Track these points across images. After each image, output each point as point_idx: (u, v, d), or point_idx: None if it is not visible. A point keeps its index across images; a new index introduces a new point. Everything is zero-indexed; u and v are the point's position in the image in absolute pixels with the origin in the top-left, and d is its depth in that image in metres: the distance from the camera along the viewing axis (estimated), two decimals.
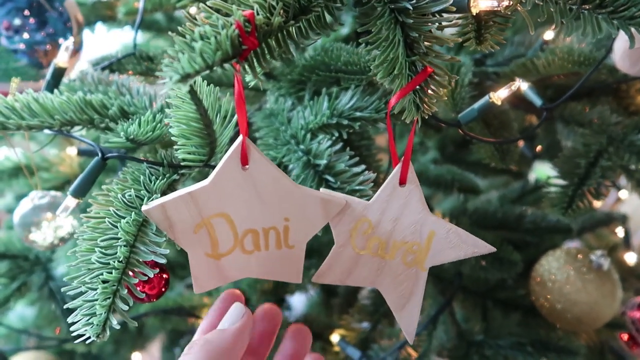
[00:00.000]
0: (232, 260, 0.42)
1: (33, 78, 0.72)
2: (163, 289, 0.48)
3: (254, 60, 0.36)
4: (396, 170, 0.42)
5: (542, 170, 1.51)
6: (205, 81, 0.43)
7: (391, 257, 0.43)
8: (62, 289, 0.37)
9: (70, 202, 0.48)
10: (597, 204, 1.19)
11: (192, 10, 0.65)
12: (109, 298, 0.36)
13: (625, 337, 0.82)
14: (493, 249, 0.43)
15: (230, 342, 0.40)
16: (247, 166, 0.39)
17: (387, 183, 0.42)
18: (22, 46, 0.70)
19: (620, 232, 1.08)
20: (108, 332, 0.35)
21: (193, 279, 0.43)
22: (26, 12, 0.71)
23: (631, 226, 1.16)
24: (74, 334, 0.36)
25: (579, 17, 0.37)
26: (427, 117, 0.41)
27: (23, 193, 0.87)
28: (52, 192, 0.63)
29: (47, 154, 0.86)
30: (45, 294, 0.78)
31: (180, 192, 0.39)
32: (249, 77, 0.51)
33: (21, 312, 1.02)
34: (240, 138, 0.39)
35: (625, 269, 1.08)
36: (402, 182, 0.42)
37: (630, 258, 1.02)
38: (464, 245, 0.43)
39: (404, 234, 0.43)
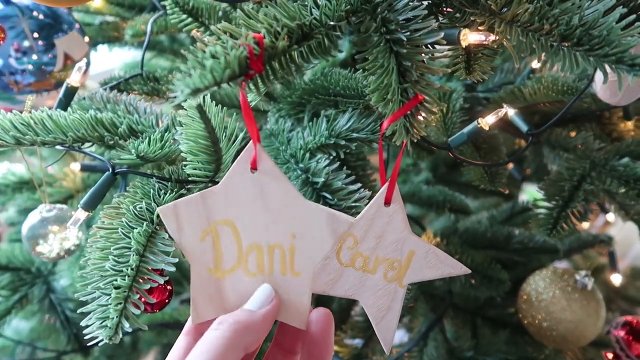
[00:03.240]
0: (235, 282, 0.41)
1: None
2: (167, 300, 0.51)
3: (259, 80, 0.39)
4: (382, 190, 0.45)
5: (532, 192, 1.54)
6: (214, 102, 0.46)
7: (373, 272, 0.46)
8: (76, 295, 0.40)
9: (81, 214, 0.50)
10: (584, 226, 1.22)
11: (199, 34, 0.69)
12: (121, 303, 0.38)
13: (609, 355, 0.84)
14: (468, 271, 0.46)
15: (259, 325, 0.38)
16: (256, 170, 0.40)
17: (372, 202, 0.45)
18: (30, 67, 0.73)
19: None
20: (120, 335, 0.37)
21: (192, 304, 0.42)
22: (35, 35, 0.74)
23: (619, 249, 1.19)
24: (88, 336, 0.38)
25: (559, 53, 0.40)
26: (416, 141, 0.44)
27: (26, 207, 0.89)
28: (59, 205, 0.66)
29: (51, 169, 0.89)
30: (46, 306, 0.79)
31: (193, 194, 0.40)
32: (251, 96, 0.54)
33: (16, 325, 1.03)
34: (251, 142, 0.40)
35: (612, 289, 1.11)
36: (387, 202, 0.45)
37: (616, 279, 1.04)
38: (441, 266, 0.45)
39: (386, 251, 0.45)
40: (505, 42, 0.44)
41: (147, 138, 0.51)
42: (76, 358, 0.82)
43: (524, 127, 0.64)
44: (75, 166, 0.88)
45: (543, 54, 0.42)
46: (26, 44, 0.73)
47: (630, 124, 0.78)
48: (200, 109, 0.44)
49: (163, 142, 0.51)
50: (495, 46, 0.45)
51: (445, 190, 0.93)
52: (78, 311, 0.39)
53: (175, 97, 0.34)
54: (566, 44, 0.39)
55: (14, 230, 0.89)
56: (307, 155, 0.59)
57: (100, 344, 0.37)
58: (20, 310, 0.80)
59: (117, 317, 0.38)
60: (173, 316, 0.94)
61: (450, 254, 0.78)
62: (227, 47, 0.36)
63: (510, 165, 1.09)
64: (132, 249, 0.41)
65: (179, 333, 0.93)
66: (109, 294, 0.38)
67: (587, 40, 0.38)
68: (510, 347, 0.81)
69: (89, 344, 0.37)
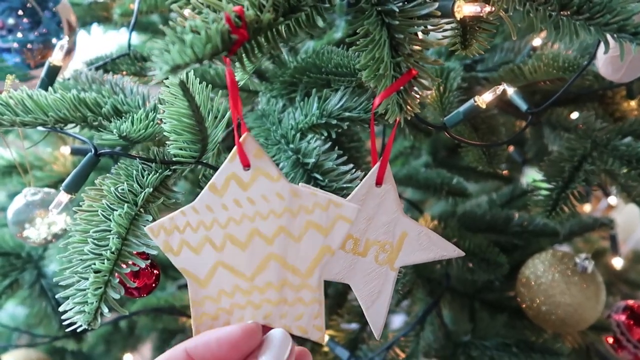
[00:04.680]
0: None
1: (21, 78, 0.72)
2: (154, 284, 0.49)
3: (243, 55, 0.37)
4: (373, 170, 0.43)
5: (534, 176, 1.52)
6: (198, 79, 0.44)
7: (363, 254, 0.44)
8: (55, 279, 0.38)
9: (63, 197, 0.49)
10: (586, 209, 1.21)
11: (186, 12, 0.67)
12: (101, 287, 0.37)
13: (610, 340, 0.83)
14: (462, 253, 0.44)
15: None
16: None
17: (363, 182, 0.43)
18: (15, 45, 0.71)
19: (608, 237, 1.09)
20: (99, 321, 0.36)
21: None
22: (20, 12, 0.72)
23: (621, 234, 1.18)
24: (66, 322, 0.36)
25: (558, 24, 0.38)
26: (409, 118, 0.42)
27: (16, 191, 0.87)
28: (45, 189, 0.64)
29: (41, 153, 0.87)
30: (37, 291, 0.78)
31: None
32: (238, 76, 0.52)
33: (12, 310, 1.02)
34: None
35: (613, 273, 1.10)
36: (379, 182, 0.43)
37: (617, 263, 1.03)
38: (434, 248, 0.44)
39: (377, 233, 0.44)
40: (502, 14, 0.42)
41: (131, 117, 0.49)
42: (68, 343, 0.81)
43: (523, 106, 0.62)
44: (65, 150, 0.87)
45: (544, 32, 0.40)
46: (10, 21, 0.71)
47: (633, 103, 0.76)
48: (183, 85, 0.42)
49: (147, 121, 0.49)
50: (492, 18, 0.43)
51: (443, 173, 0.91)
52: (56, 301, 0.37)
53: (154, 75, 0.33)
54: (565, 13, 0.37)
55: (2, 215, 0.88)
56: (298, 135, 0.57)
57: (91, 331, 0.36)
58: (10, 296, 0.79)
59: (96, 302, 0.36)
60: (169, 301, 0.93)
61: (447, 237, 0.77)
62: (209, 20, 0.34)
63: (511, 148, 1.07)
64: (112, 232, 0.39)
65: (175, 318, 0.92)
66: (88, 279, 0.37)
67: (587, 8, 0.36)
68: (508, 331, 0.80)
69: (68, 329, 0.35)
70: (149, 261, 0.45)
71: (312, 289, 0.42)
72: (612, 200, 1.22)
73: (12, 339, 0.96)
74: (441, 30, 0.44)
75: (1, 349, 0.89)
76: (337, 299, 0.93)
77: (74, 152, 0.81)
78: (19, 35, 0.71)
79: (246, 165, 0.39)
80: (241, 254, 0.40)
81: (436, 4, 0.39)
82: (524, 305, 0.76)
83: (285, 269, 0.41)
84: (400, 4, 0.39)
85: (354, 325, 0.85)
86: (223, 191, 0.39)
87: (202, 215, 0.39)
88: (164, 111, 0.44)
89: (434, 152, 1.16)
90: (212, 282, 0.41)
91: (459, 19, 0.42)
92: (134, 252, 0.40)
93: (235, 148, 0.39)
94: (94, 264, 0.37)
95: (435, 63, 0.40)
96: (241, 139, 0.38)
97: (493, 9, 0.41)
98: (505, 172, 1.11)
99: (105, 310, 0.36)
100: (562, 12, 0.37)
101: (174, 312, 0.90)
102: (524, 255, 0.84)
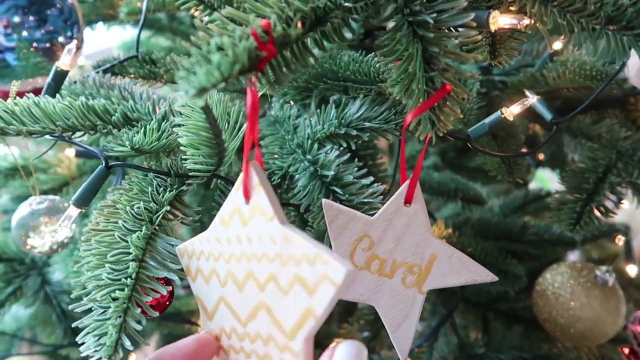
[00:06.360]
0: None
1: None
2: (168, 302, 0.47)
3: (270, 72, 0.35)
4: (402, 189, 0.41)
5: (543, 177, 1.50)
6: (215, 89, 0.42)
7: (390, 276, 0.42)
8: (70, 307, 0.36)
9: (73, 211, 0.46)
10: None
11: (205, 19, 0.64)
12: (120, 316, 0.34)
13: (626, 351, 0.81)
14: (495, 278, 0.42)
15: None
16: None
17: (391, 201, 0.41)
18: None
19: (621, 242, 1.07)
20: (121, 353, 0.34)
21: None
22: (26, 10, 0.70)
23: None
24: (83, 354, 0.34)
25: (603, 37, 0.36)
26: (441, 135, 0.40)
27: (20, 194, 0.85)
28: (51, 197, 0.62)
29: (45, 155, 0.85)
30: (41, 298, 0.76)
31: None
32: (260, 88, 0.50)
33: (15, 312, 1.00)
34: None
35: (626, 279, 1.08)
36: (408, 201, 0.41)
37: (631, 270, 1.01)
38: (465, 272, 0.42)
39: (404, 254, 0.42)
40: (539, 26, 0.39)
41: (143, 128, 0.46)
42: (73, 352, 0.79)
43: (547, 115, 0.60)
44: (70, 152, 0.84)
45: (582, 41, 0.38)
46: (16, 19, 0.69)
47: None
48: None
49: (160, 132, 0.47)
50: (529, 31, 0.40)
51: (457, 179, 0.89)
52: (71, 307, 0.35)
53: (179, 97, 0.30)
54: (612, 27, 0.35)
55: (7, 218, 0.85)
56: (316, 145, 0.55)
57: None
58: (14, 303, 0.77)
59: (116, 332, 0.34)
60: (175, 306, 0.91)
61: (463, 246, 0.75)
62: (235, 37, 0.32)
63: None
64: (130, 256, 0.37)
65: (180, 324, 0.90)
66: (107, 307, 0.34)
67: (638, 23, 0.33)
68: (523, 342, 0.78)
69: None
70: (171, 287, 0.43)
71: (295, 355, 0.33)
72: (625, 205, 1.20)
73: (15, 345, 0.94)
74: (473, 42, 0.41)
75: (3, 356, 0.88)
76: (347, 306, 0.91)
77: (79, 154, 0.78)
78: (25, 33, 0.69)
79: (247, 198, 0.35)
80: (238, 295, 0.36)
81: (472, 14, 0.37)
82: (541, 318, 0.74)
83: (272, 322, 0.34)
84: (435, 14, 0.36)
85: (365, 334, 0.83)
86: (228, 224, 0.36)
87: (212, 246, 0.36)
88: (180, 125, 0.41)
89: (442, 153, 1.14)
90: (216, 318, 0.38)
91: (493, 30, 0.40)
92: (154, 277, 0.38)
93: (240, 176, 0.35)
94: (114, 291, 0.35)
95: (472, 77, 0.37)
96: (247, 166, 0.34)
97: (531, 21, 0.38)
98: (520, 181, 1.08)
99: (127, 342, 0.34)
100: (608, 26, 0.35)
101: (180, 319, 0.88)
102: (539, 264, 0.82)
